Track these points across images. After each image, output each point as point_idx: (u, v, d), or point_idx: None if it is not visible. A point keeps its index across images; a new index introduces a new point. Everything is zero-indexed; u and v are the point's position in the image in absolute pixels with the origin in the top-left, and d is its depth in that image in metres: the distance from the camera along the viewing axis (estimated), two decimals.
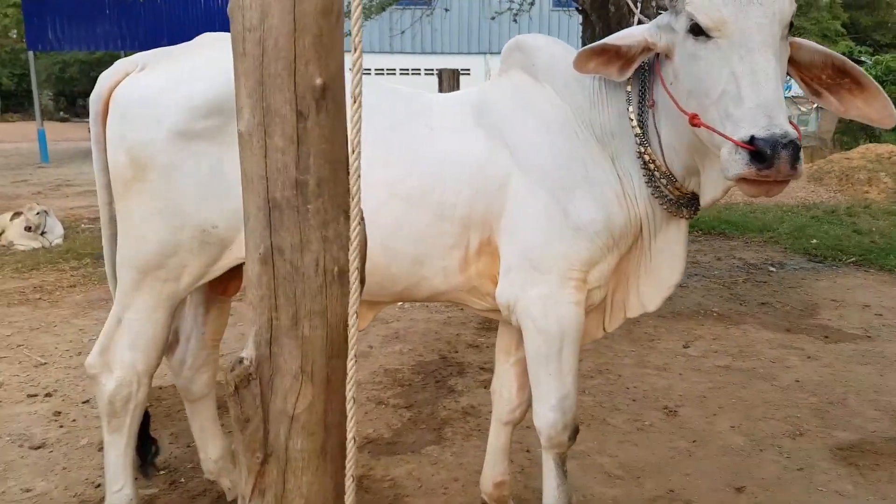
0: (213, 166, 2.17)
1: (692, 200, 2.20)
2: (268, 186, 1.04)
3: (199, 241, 2.22)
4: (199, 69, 2.23)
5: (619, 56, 2.03)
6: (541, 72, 2.32)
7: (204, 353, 2.75)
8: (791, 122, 1.68)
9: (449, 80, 6.77)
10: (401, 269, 2.27)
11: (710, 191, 2.06)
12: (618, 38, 2.01)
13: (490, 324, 5.13)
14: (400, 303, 5.06)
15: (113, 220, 2.35)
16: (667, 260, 2.28)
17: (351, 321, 1.15)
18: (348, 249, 1.08)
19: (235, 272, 2.47)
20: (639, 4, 2.63)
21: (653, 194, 2.18)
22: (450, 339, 4.93)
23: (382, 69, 19.00)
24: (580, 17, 8.03)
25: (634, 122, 2.13)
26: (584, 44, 7.94)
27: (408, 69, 19.82)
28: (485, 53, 19.90)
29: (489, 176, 2.21)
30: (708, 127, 1.78)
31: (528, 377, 2.45)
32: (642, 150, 2.14)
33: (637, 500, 2.98)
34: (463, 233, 2.24)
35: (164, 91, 2.19)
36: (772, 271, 6.71)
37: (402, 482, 3.06)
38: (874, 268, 6.75)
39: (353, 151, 1.12)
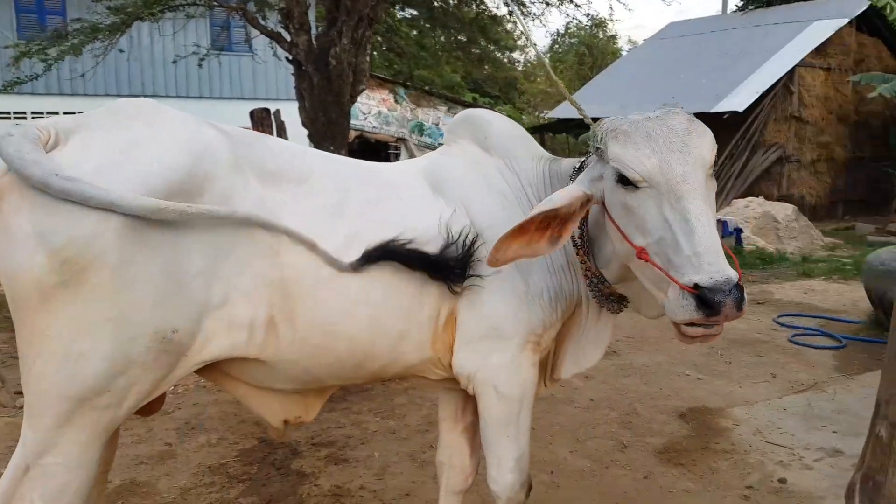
0: (168, 258, 1.79)
1: (621, 299, 2.31)
2: None
3: (156, 351, 1.80)
4: (142, 144, 1.80)
5: (554, 219, 1.99)
6: (493, 145, 2.39)
7: (95, 490, 2.16)
8: (730, 252, 1.77)
9: None
10: (384, 346, 2.17)
11: (651, 311, 2.23)
12: (553, 202, 1.97)
13: None
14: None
15: None
16: (590, 342, 2.45)
17: None
18: None
19: None
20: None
21: (587, 285, 2.30)
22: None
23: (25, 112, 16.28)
24: (292, 67, 7.89)
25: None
26: (299, 95, 7.86)
27: (42, 112, 17.30)
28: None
29: None
30: (655, 265, 1.81)
31: (478, 442, 2.49)
32: (576, 250, 2.23)
33: None
34: (436, 304, 2.21)
35: (106, 172, 1.71)
36: None
37: None
38: None
39: None
